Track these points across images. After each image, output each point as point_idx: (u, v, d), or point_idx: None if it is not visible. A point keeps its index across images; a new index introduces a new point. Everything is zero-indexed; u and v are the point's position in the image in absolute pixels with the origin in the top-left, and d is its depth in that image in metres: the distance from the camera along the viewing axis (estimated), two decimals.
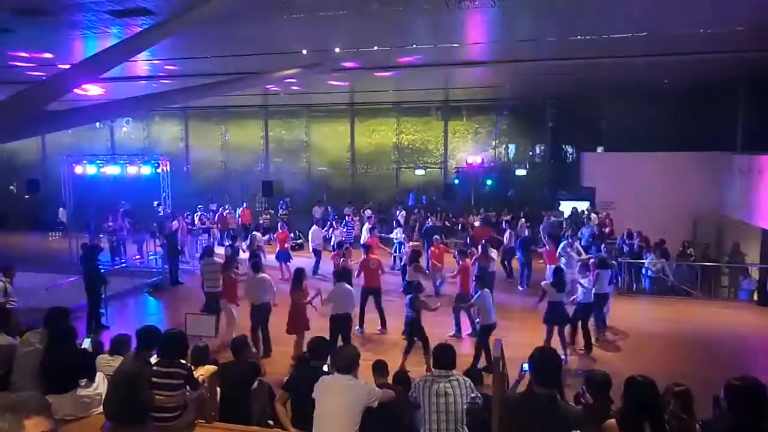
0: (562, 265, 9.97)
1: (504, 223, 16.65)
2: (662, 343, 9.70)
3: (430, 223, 15.50)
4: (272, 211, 19.40)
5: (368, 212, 18.55)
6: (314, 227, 15.15)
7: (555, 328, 8.64)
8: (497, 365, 4.18)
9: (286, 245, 14.45)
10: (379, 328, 10.06)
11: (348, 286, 8.79)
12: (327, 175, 22.43)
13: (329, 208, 19.54)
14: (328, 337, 7.83)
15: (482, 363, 8.02)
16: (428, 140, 21.40)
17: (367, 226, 15.01)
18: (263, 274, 9.19)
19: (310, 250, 14.96)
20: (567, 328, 9.06)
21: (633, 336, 9.97)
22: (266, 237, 16.75)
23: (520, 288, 13.03)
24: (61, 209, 18.91)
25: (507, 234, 14.30)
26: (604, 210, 16.79)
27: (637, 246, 13.62)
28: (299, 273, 8.97)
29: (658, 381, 3.64)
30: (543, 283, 9.16)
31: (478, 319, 9.00)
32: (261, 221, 18.74)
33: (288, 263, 13.91)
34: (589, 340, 9.26)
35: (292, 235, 15.83)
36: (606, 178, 17.68)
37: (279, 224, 15.60)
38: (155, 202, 17.29)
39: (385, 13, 8.47)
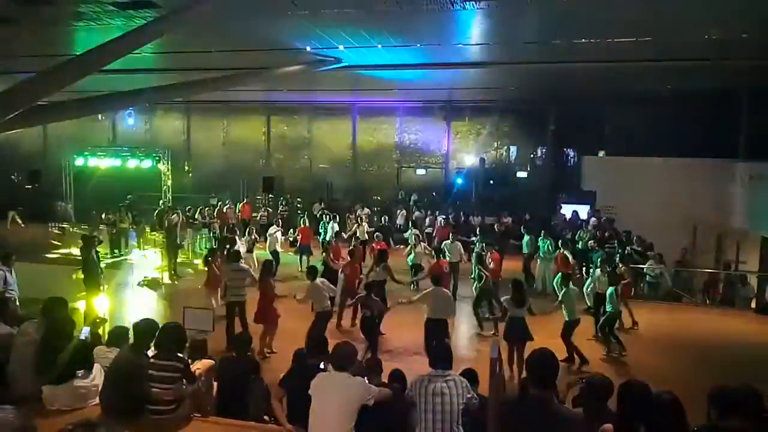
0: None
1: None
2: (659, 349, 9.70)
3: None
4: (270, 210, 19.37)
5: (366, 210, 18.56)
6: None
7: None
8: (494, 366, 4.17)
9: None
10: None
11: (446, 290, 8.72)
12: (328, 172, 22.42)
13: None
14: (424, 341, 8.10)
15: None
16: (430, 140, 21.39)
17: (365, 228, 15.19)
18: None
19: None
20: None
21: (630, 341, 9.96)
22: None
23: None
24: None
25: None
26: (604, 214, 16.78)
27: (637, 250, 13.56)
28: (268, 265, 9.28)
29: (653, 386, 3.65)
30: None
31: None
32: (258, 218, 18.71)
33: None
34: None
35: (291, 231, 15.82)
36: (607, 183, 17.67)
37: (301, 220, 15.84)
38: (161, 201, 17.35)
39: (390, 12, 8.46)
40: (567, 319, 8.78)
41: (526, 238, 13.86)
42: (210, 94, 17.63)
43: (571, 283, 9.01)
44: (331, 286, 9.40)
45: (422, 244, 13.30)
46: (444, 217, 17.22)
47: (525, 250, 13.84)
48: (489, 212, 18.05)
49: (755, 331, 10.90)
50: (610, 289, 9.43)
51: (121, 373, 4.58)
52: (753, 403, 3.30)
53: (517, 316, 8.27)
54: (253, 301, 9.08)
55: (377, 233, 13.55)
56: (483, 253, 11.08)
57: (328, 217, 16.06)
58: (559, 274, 9.63)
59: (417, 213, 18.38)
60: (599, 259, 10.94)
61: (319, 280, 9.07)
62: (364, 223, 16.18)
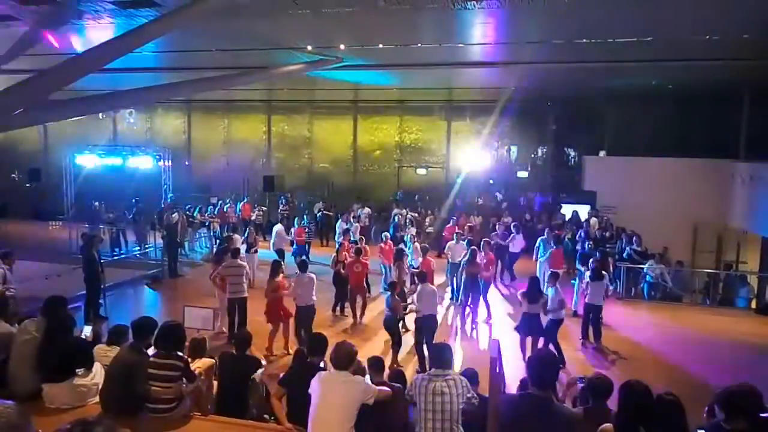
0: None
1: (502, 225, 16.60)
2: (659, 349, 9.69)
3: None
4: (265, 208, 19.32)
5: (367, 210, 18.54)
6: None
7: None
8: (494, 366, 4.17)
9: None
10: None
11: (431, 286, 8.74)
12: (329, 171, 22.41)
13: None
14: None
15: None
16: (431, 140, 21.38)
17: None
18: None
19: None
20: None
21: (630, 341, 9.98)
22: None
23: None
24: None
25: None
26: (604, 214, 16.77)
27: (638, 250, 13.54)
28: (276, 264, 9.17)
29: (653, 386, 3.65)
30: None
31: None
32: (253, 217, 18.69)
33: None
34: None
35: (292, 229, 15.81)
36: (607, 183, 17.67)
37: (296, 219, 15.80)
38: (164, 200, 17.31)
39: (391, 11, 8.45)
40: (552, 318, 8.66)
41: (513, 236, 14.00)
42: (210, 93, 17.63)
43: (557, 283, 8.96)
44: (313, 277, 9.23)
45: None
46: (413, 214, 17.38)
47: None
48: (490, 212, 18.03)
49: (755, 331, 10.91)
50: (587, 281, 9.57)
51: (121, 371, 4.58)
52: (757, 404, 3.31)
53: (531, 312, 8.35)
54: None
55: (384, 233, 13.59)
56: (476, 251, 11.02)
57: (307, 218, 16.18)
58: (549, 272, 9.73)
59: (395, 210, 18.07)
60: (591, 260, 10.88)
61: (307, 274, 9.00)
62: (360, 222, 16.14)
